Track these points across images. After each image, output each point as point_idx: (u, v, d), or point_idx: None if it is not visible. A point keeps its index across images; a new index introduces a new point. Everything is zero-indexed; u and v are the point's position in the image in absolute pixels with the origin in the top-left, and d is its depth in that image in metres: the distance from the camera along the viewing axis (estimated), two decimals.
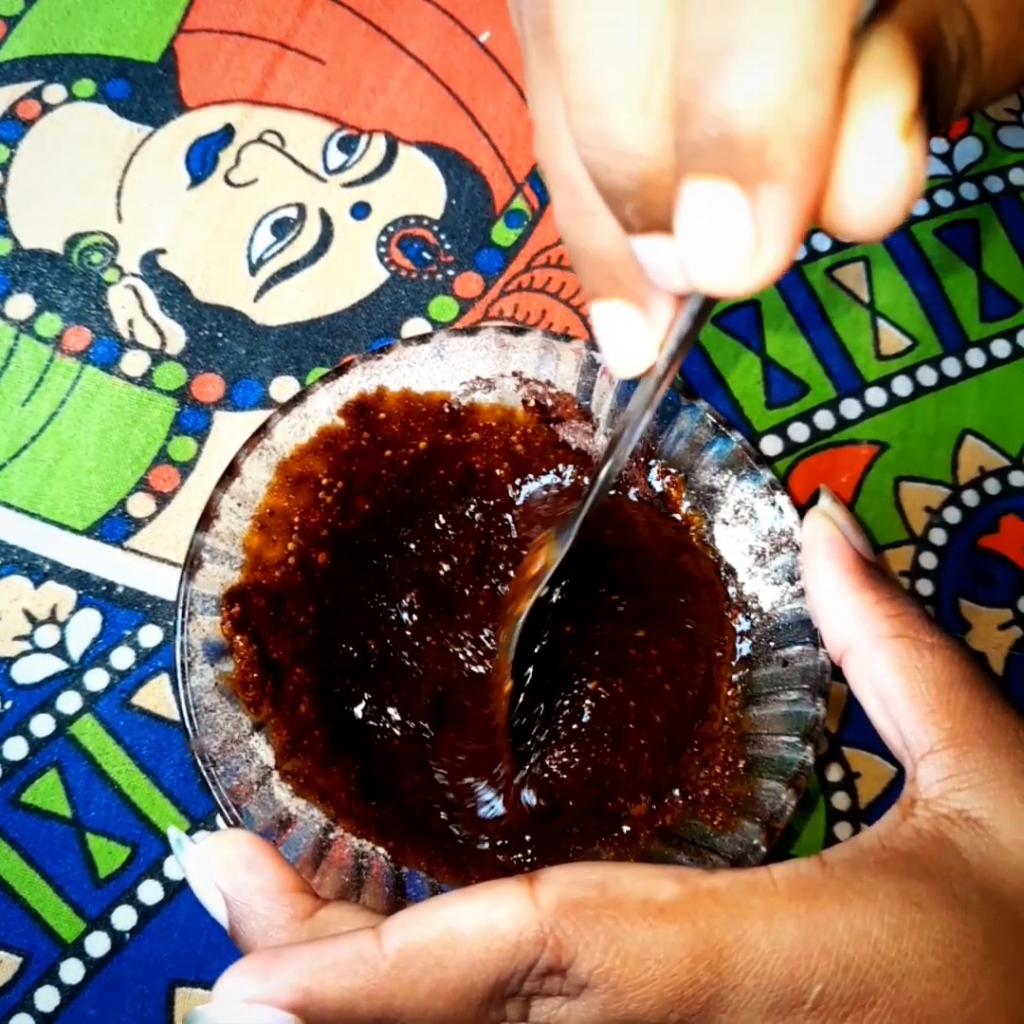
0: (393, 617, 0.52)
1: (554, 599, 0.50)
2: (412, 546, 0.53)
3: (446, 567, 0.52)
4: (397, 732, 0.50)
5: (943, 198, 0.65)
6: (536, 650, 0.49)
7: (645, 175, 0.28)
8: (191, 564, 0.46)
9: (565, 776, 0.49)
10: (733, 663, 0.49)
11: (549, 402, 0.52)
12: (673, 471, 0.50)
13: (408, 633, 0.52)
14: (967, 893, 0.35)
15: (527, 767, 0.49)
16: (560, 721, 0.50)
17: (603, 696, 0.50)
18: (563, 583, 0.49)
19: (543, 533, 0.45)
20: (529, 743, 0.50)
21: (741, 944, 0.33)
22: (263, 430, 0.48)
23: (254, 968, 0.34)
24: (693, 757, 0.48)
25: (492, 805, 0.48)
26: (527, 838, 0.48)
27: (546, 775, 0.49)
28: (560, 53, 0.28)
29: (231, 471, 0.47)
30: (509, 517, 0.53)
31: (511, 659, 0.46)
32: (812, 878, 0.35)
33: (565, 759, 0.49)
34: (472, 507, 0.53)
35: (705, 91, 0.24)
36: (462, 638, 0.51)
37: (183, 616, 0.45)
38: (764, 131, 0.23)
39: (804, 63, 0.23)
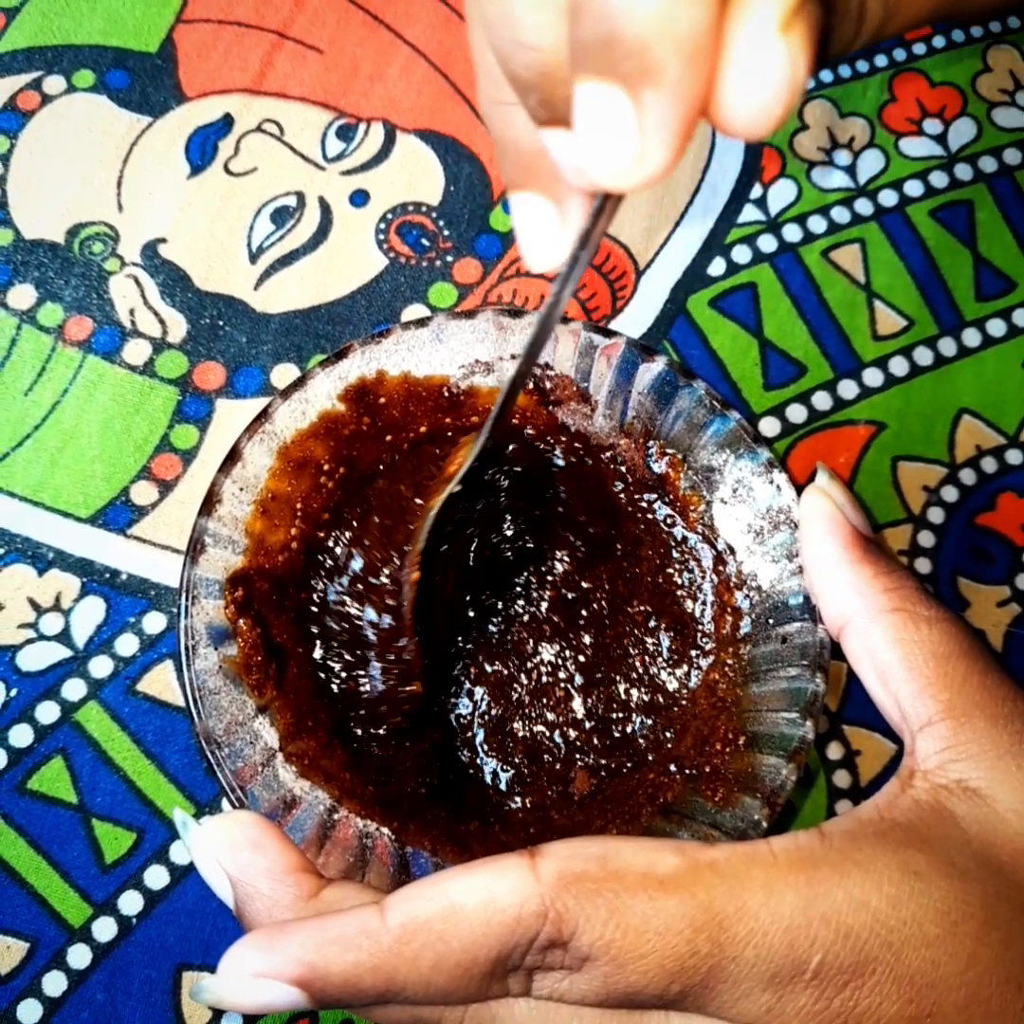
0: (396, 601, 0.52)
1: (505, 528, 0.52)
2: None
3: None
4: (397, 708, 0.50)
5: (938, 179, 0.65)
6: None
7: (545, 67, 0.30)
8: (194, 548, 0.46)
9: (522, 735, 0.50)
10: (735, 640, 0.49)
11: (548, 384, 0.52)
12: (671, 451, 0.51)
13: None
14: (965, 862, 0.35)
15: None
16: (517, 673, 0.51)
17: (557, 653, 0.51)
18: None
19: (465, 437, 0.46)
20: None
21: (741, 915, 0.33)
22: (264, 415, 0.48)
23: (259, 943, 0.34)
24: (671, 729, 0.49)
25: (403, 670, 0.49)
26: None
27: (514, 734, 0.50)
28: None
29: (233, 456, 0.47)
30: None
31: (420, 549, 0.46)
32: (811, 849, 0.35)
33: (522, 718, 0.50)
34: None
35: None
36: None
37: (186, 600, 0.45)
38: (645, 35, 0.24)
39: None
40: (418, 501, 0.49)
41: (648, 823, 0.46)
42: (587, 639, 0.52)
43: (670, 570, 0.52)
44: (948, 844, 0.36)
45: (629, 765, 0.50)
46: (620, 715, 0.51)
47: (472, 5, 0.35)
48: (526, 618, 0.52)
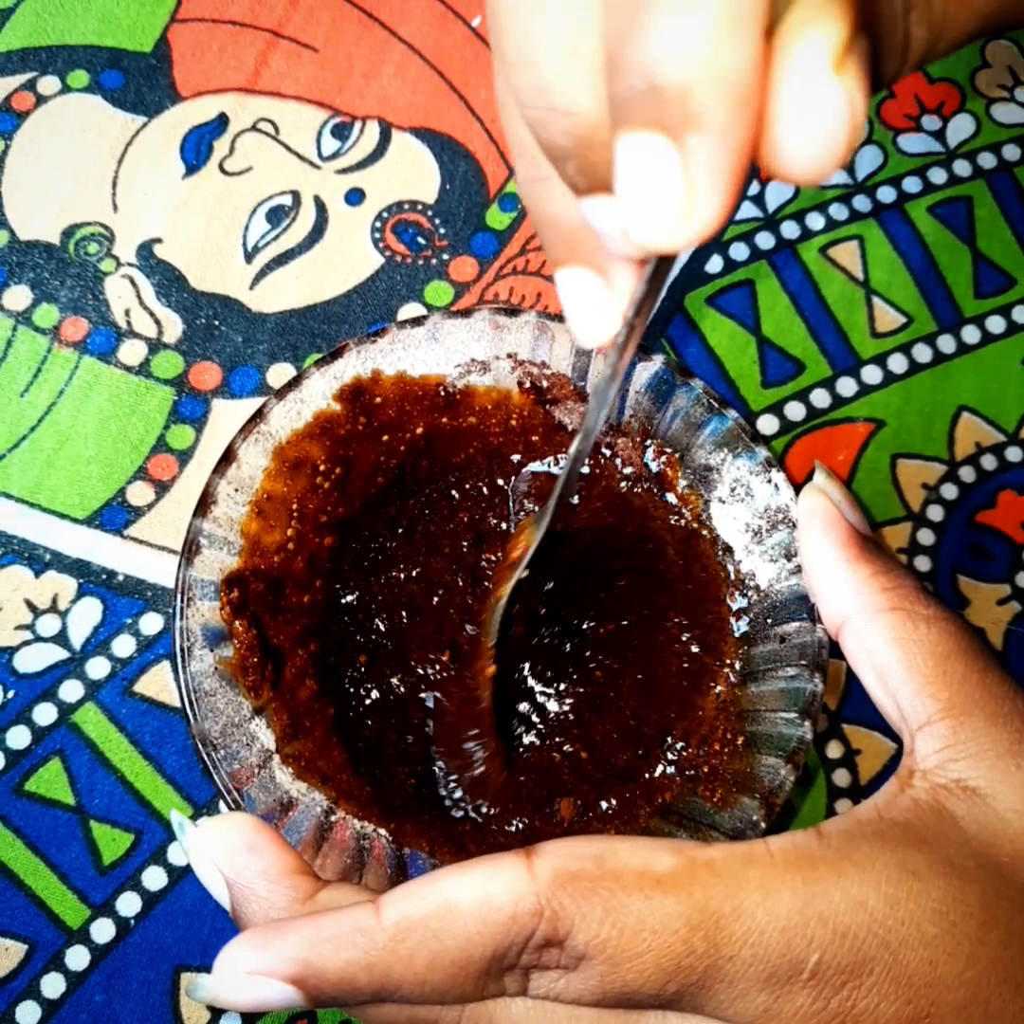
0: (392, 601, 0.52)
1: (546, 586, 0.50)
2: (410, 529, 0.53)
3: (445, 550, 0.53)
4: (398, 715, 0.50)
5: (937, 175, 0.65)
6: (524, 632, 0.50)
7: (581, 131, 0.28)
8: (189, 550, 0.46)
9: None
10: (731, 640, 0.49)
11: (544, 383, 0.52)
12: (669, 450, 0.51)
13: (406, 616, 0.52)
14: (964, 861, 0.35)
15: (520, 747, 0.50)
16: (546, 705, 0.51)
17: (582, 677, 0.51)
18: (549, 569, 0.50)
19: (525, 518, 0.45)
20: (521, 725, 0.50)
21: (738, 914, 0.33)
22: (259, 416, 0.48)
23: (254, 941, 0.34)
24: (681, 739, 0.49)
25: (480, 778, 0.49)
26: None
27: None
28: (494, 12, 0.29)
29: (228, 457, 0.47)
30: (507, 499, 0.53)
31: (493, 643, 0.46)
32: (809, 849, 0.35)
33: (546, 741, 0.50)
34: (469, 490, 0.53)
35: (629, 41, 0.24)
36: (459, 621, 0.52)
37: (182, 602, 0.45)
38: (687, 80, 0.23)
39: (722, 10, 0.23)
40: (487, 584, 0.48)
41: (646, 823, 0.46)
42: (612, 657, 0.51)
43: (695, 572, 0.52)
44: (947, 844, 0.35)
45: (620, 775, 0.49)
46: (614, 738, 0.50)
47: (500, 80, 0.34)
48: (556, 641, 0.52)
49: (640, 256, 0.32)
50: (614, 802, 0.48)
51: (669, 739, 0.49)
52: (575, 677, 0.51)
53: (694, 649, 0.50)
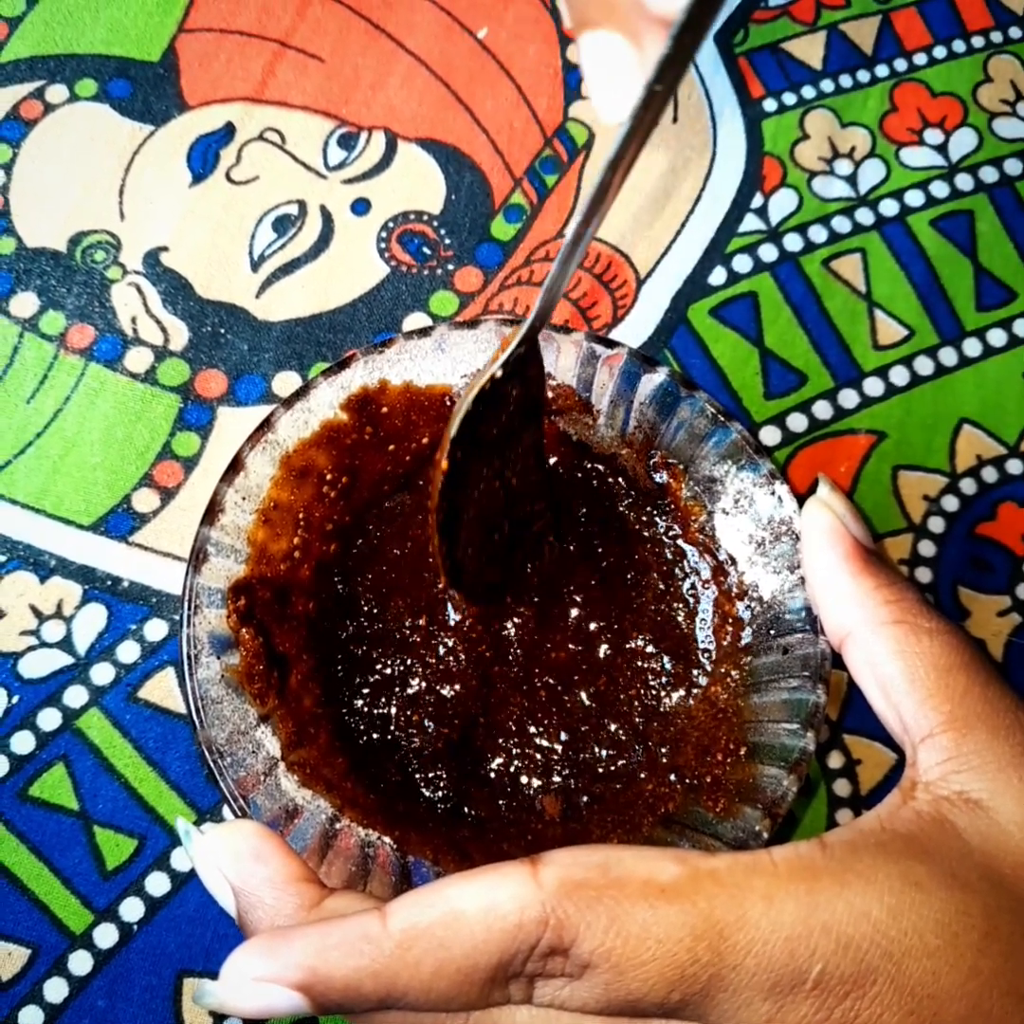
0: (396, 606, 0.52)
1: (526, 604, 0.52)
2: (411, 542, 0.53)
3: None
4: (402, 720, 0.51)
5: (939, 189, 0.65)
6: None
7: None
8: (196, 558, 0.46)
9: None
10: (736, 650, 0.49)
11: (549, 394, 0.52)
12: (672, 462, 0.51)
13: (413, 630, 0.52)
14: (967, 873, 0.35)
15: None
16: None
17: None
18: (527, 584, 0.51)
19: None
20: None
21: (741, 924, 0.33)
22: (266, 424, 0.48)
23: (261, 948, 0.34)
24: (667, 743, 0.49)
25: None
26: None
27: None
28: None
29: (235, 465, 0.48)
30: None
31: (452, 436, 0.44)
32: (812, 859, 0.35)
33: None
34: None
35: None
36: (465, 627, 0.52)
37: (189, 609, 0.45)
38: None
39: None
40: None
41: (649, 833, 0.46)
42: (585, 671, 0.52)
43: (674, 592, 0.52)
44: (950, 855, 0.36)
45: (618, 785, 0.50)
46: (610, 751, 0.51)
47: None
48: (531, 642, 0.52)
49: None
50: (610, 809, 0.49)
51: (645, 749, 0.50)
52: (561, 689, 0.51)
53: (664, 664, 0.51)
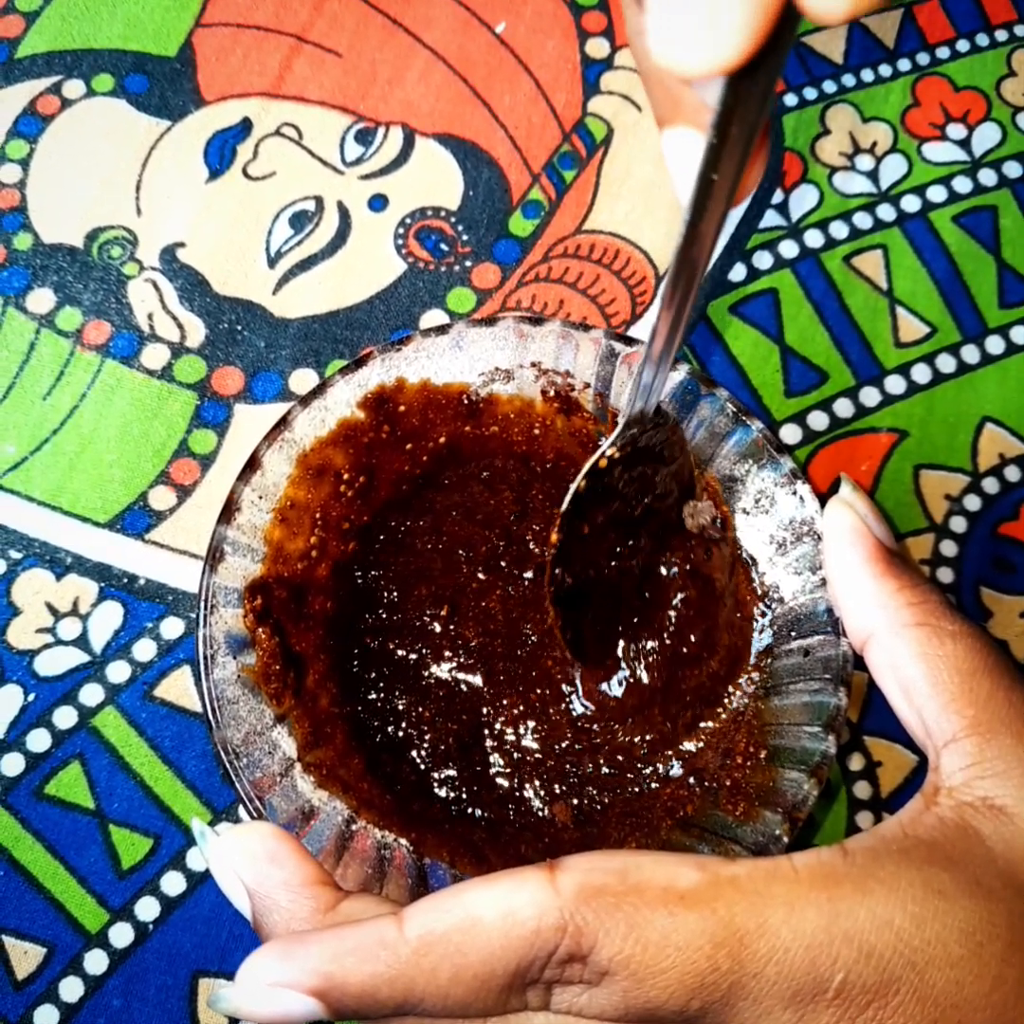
0: (413, 603, 0.52)
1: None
2: (435, 537, 0.53)
3: (469, 555, 0.52)
4: (417, 719, 0.50)
5: (961, 184, 0.64)
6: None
7: None
8: (213, 557, 0.46)
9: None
10: (754, 653, 0.49)
11: (568, 393, 0.52)
12: (700, 470, 0.50)
13: (432, 624, 0.52)
14: (991, 881, 0.35)
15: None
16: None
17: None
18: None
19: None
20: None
21: (762, 931, 0.33)
22: (283, 423, 0.48)
23: (277, 952, 0.34)
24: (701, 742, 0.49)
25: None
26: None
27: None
28: None
29: (252, 464, 0.47)
30: (530, 506, 0.53)
31: (563, 511, 0.46)
32: (834, 866, 0.35)
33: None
34: (490, 498, 0.53)
35: None
36: (484, 628, 0.51)
37: (205, 609, 0.45)
38: None
39: None
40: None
41: (667, 836, 0.46)
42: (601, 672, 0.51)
43: (694, 592, 0.51)
44: (973, 863, 0.35)
45: (634, 791, 0.49)
46: (624, 757, 0.50)
47: None
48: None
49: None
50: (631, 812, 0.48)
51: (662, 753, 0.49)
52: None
53: (684, 666, 0.51)
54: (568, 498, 0.45)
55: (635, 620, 0.51)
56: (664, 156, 0.35)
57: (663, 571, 0.51)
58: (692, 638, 0.51)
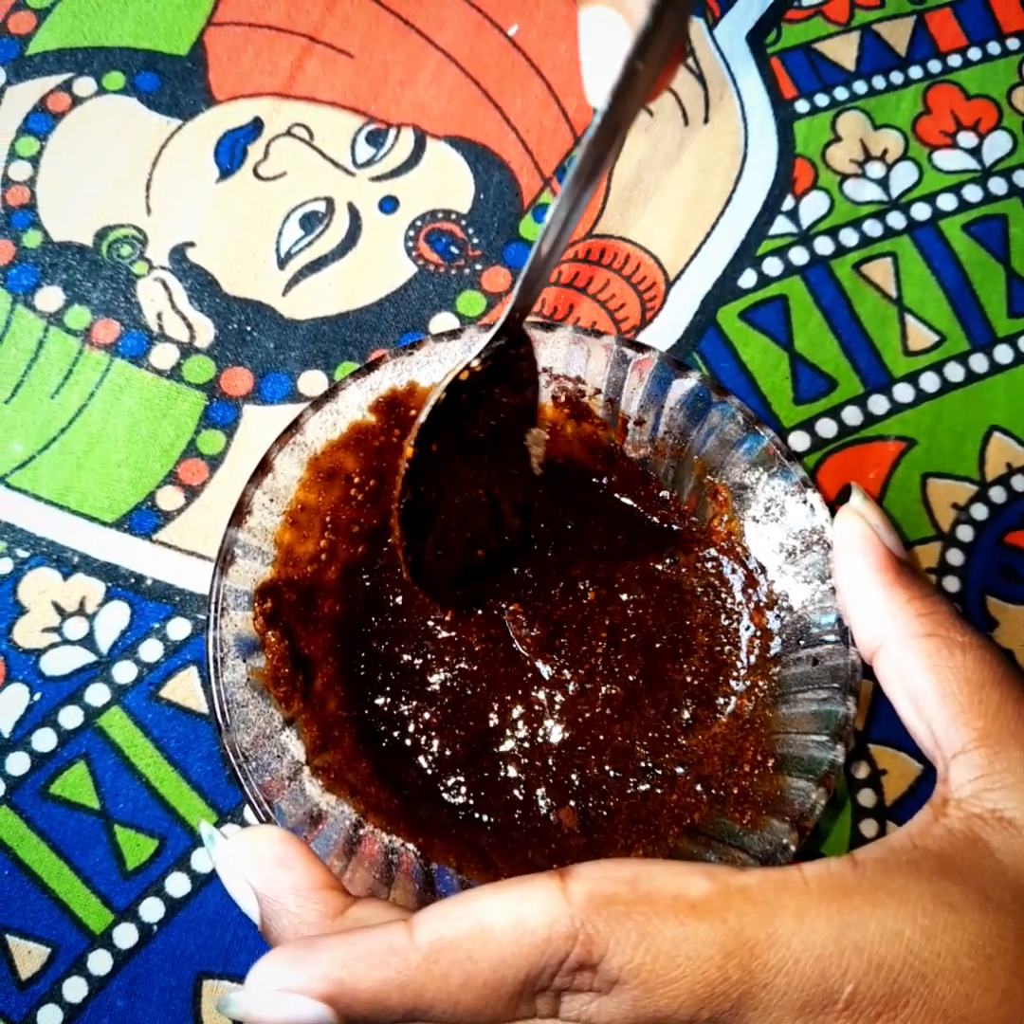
0: (420, 630, 0.52)
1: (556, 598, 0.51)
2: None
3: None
4: (423, 722, 0.50)
5: (972, 193, 0.64)
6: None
7: None
8: (224, 559, 0.46)
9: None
10: (763, 661, 0.49)
11: (578, 398, 0.52)
12: (710, 478, 0.50)
13: (439, 627, 0.52)
14: (1000, 894, 0.35)
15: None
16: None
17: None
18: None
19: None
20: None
21: (772, 942, 0.33)
22: (295, 426, 0.48)
23: (287, 958, 0.34)
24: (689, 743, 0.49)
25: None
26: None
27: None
28: None
29: (263, 467, 0.47)
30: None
31: (420, 423, 0.44)
32: (844, 877, 0.35)
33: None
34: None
35: None
36: (487, 633, 0.52)
37: (216, 611, 0.45)
38: None
39: None
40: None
41: (674, 844, 0.46)
42: (615, 685, 0.51)
43: (701, 600, 0.51)
44: (983, 875, 0.35)
45: (639, 798, 0.49)
46: (631, 763, 0.50)
47: None
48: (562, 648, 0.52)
49: None
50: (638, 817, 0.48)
51: (667, 762, 0.49)
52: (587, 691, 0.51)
53: (691, 674, 0.51)
54: (426, 411, 0.44)
55: (578, 609, 0.51)
56: (579, 33, 0.34)
57: (607, 562, 0.51)
58: (655, 630, 0.51)
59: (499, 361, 0.44)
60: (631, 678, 0.51)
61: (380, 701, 0.50)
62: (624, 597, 0.52)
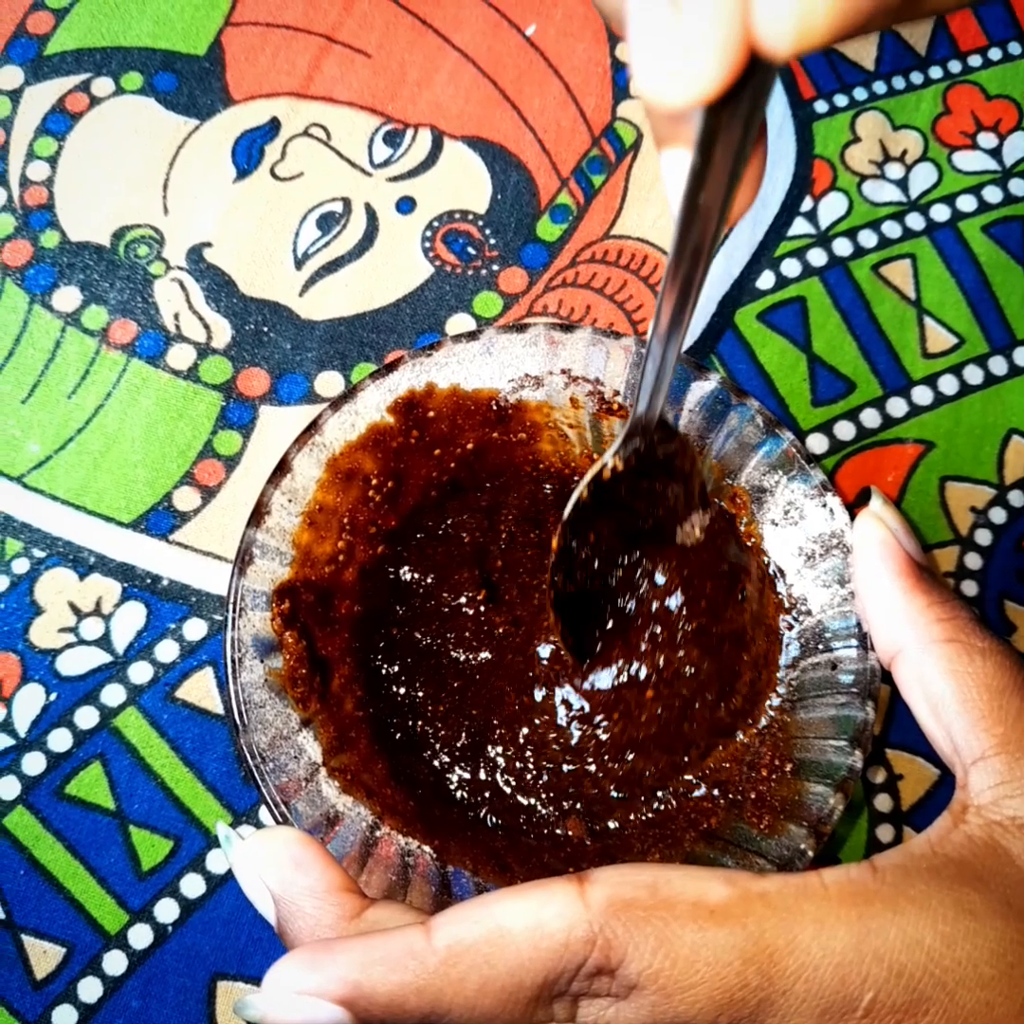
0: (444, 612, 0.52)
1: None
2: (462, 541, 0.53)
3: (499, 563, 0.52)
4: (439, 722, 0.50)
5: (992, 194, 0.64)
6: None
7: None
8: (242, 560, 0.46)
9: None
10: (781, 665, 0.49)
11: (597, 400, 0.52)
12: (729, 481, 0.50)
13: (458, 627, 0.52)
14: (1021, 901, 0.35)
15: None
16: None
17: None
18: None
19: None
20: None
21: (792, 948, 0.33)
22: (314, 426, 0.48)
23: (305, 960, 0.34)
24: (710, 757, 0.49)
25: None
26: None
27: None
28: None
29: (282, 467, 0.47)
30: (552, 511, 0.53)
31: (566, 519, 0.46)
32: (863, 884, 0.35)
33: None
34: (516, 503, 0.53)
35: None
36: (512, 629, 0.51)
37: (234, 612, 0.45)
38: None
39: None
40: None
41: (691, 848, 0.46)
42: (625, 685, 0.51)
43: (722, 602, 0.51)
44: (1004, 883, 0.35)
45: (654, 805, 0.49)
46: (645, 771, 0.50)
47: None
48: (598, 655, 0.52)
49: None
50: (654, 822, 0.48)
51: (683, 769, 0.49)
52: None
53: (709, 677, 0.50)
54: (570, 507, 0.45)
55: (647, 645, 0.51)
56: (662, 176, 0.35)
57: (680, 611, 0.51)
58: (703, 677, 0.51)
59: (649, 456, 0.45)
60: (646, 681, 0.50)
61: (395, 691, 0.50)
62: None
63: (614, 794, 0.49)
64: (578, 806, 0.49)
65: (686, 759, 0.49)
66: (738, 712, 0.49)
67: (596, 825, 0.49)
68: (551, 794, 0.49)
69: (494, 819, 0.49)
